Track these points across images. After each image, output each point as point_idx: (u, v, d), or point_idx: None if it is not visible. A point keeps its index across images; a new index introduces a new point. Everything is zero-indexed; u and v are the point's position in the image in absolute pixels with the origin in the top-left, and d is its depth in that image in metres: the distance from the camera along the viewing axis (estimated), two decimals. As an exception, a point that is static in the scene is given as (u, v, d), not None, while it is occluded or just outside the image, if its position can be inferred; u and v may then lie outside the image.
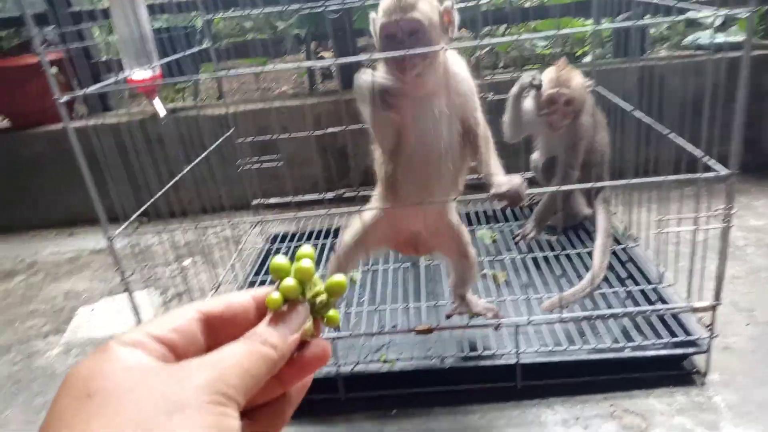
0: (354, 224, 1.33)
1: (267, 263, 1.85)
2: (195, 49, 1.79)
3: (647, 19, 2.02)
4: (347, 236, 1.35)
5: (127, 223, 1.22)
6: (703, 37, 2.26)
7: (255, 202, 2.08)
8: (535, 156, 1.99)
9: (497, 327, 1.40)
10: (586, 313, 1.41)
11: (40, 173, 2.71)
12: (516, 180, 1.16)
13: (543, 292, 1.60)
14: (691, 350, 1.35)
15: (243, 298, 0.40)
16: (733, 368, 1.36)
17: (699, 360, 1.37)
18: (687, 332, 1.37)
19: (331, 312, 0.41)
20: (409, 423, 1.31)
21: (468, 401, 1.35)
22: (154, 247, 1.74)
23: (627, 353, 1.36)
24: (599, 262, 1.59)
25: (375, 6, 1.15)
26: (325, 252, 1.98)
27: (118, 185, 1.22)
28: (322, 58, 3.05)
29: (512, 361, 1.35)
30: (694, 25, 2.38)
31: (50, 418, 0.31)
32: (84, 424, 0.29)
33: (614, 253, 1.73)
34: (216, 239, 2.16)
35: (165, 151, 1.30)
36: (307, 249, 0.41)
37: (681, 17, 1.47)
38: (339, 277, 0.41)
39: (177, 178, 1.45)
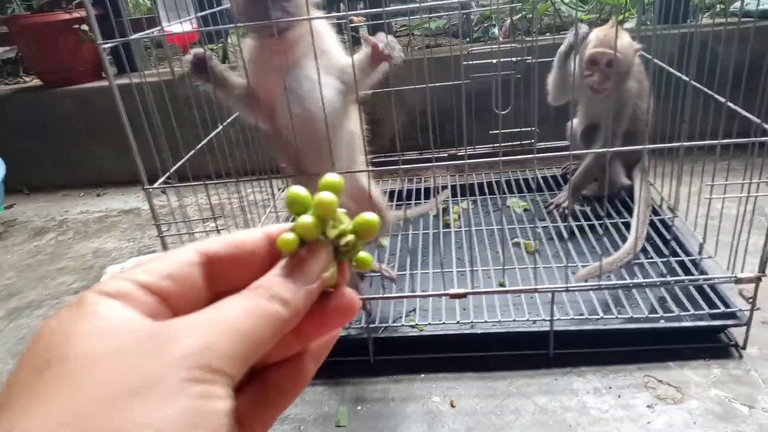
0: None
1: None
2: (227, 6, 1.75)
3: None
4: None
5: (165, 177, 1.22)
6: (751, 3, 2.17)
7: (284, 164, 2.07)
8: (574, 122, 1.93)
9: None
10: (623, 282, 1.38)
11: (69, 133, 2.72)
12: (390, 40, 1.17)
13: (578, 262, 1.58)
14: (730, 322, 1.32)
15: (254, 237, 0.33)
16: (773, 343, 1.34)
17: (737, 333, 1.34)
18: (726, 304, 1.34)
19: (362, 254, 0.34)
20: (438, 387, 1.31)
21: (498, 367, 1.35)
22: (187, 207, 1.75)
23: (663, 324, 1.34)
24: (638, 232, 1.56)
25: None
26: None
27: (155, 143, 1.21)
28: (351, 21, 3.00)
29: (545, 328, 1.33)
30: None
31: (5, 387, 0.26)
32: (32, 400, 0.24)
33: (652, 224, 1.69)
34: (252, 199, 2.17)
35: (193, 113, 1.29)
36: (334, 177, 0.33)
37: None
38: (369, 216, 0.34)
39: (211, 136, 1.44)
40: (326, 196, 0.32)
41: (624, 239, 1.60)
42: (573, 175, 1.83)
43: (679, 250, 1.56)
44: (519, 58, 1.86)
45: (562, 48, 1.70)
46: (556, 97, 1.78)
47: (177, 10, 1.30)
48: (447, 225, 1.90)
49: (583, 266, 1.49)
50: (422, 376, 1.35)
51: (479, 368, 1.35)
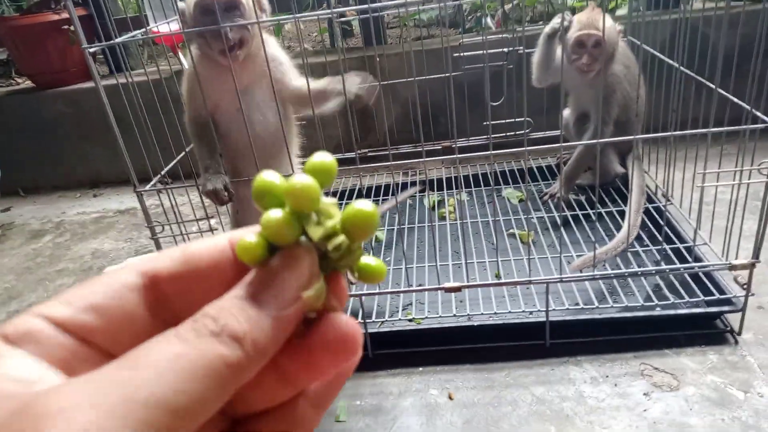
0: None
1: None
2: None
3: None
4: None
5: (156, 179, 1.21)
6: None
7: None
8: (566, 113, 1.93)
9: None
10: (618, 271, 1.38)
11: (62, 134, 2.72)
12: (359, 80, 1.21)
13: (573, 251, 1.58)
14: (725, 308, 1.32)
15: (216, 247, 0.25)
16: (768, 328, 1.34)
17: (732, 319, 1.35)
18: (720, 291, 1.34)
19: (365, 260, 0.25)
20: (436, 380, 1.32)
21: (495, 359, 1.35)
22: (180, 206, 1.75)
23: (658, 312, 1.35)
24: (632, 220, 1.56)
25: None
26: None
27: (144, 143, 1.20)
28: (344, 15, 2.99)
29: (541, 319, 1.34)
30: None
31: None
32: None
33: (647, 211, 1.69)
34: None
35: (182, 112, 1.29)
36: (325, 157, 0.24)
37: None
38: (363, 204, 0.24)
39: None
40: (303, 180, 0.23)
41: (619, 227, 1.60)
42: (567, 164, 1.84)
43: (673, 237, 1.56)
44: (510, 49, 1.85)
45: (547, 29, 1.71)
46: (539, 79, 1.79)
47: (164, 10, 1.29)
48: (442, 217, 1.91)
49: (579, 256, 1.49)
50: (420, 369, 1.36)
51: (476, 360, 1.36)
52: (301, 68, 1.31)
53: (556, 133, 2.05)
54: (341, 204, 0.23)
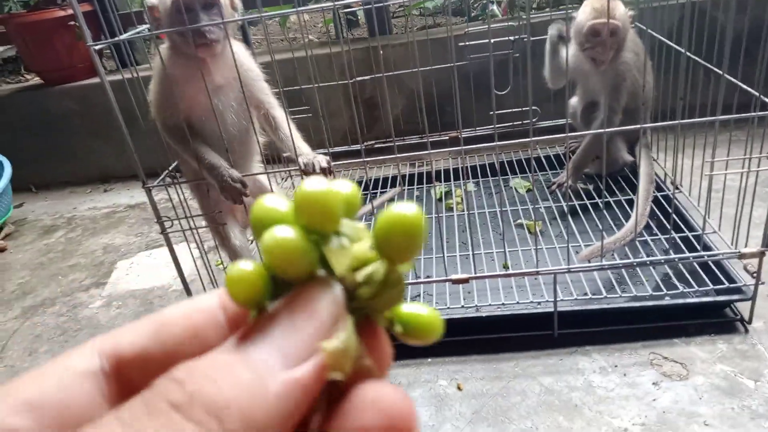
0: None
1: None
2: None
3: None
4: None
5: (164, 174, 1.22)
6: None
7: (285, 154, 2.07)
8: (574, 101, 1.91)
9: None
10: (626, 261, 1.38)
11: (71, 130, 2.74)
12: (320, 156, 1.27)
13: (581, 241, 1.57)
14: (735, 297, 1.31)
15: (197, 311, 0.19)
16: (778, 316, 1.33)
17: (743, 308, 1.34)
18: (730, 279, 1.33)
19: (411, 308, 0.19)
20: (445, 371, 1.33)
21: (504, 349, 1.35)
22: (189, 201, 1.76)
23: (667, 301, 1.34)
24: (641, 209, 1.55)
25: None
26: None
27: (151, 139, 1.21)
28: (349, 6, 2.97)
29: (549, 309, 1.33)
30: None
31: None
32: None
33: (656, 200, 1.68)
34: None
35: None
36: (345, 184, 0.18)
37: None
38: (404, 208, 0.17)
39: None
40: (315, 186, 0.17)
41: (627, 216, 1.59)
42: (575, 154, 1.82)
43: (682, 226, 1.55)
44: (516, 37, 1.83)
45: (547, 46, 1.74)
46: (553, 82, 1.81)
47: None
48: (449, 208, 1.90)
49: (587, 245, 1.49)
50: (429, 360, 1.37)
51: (485, 351, 1.36)
52: (304, 62, 1.31)
53: (563, 121, 2.04)
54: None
